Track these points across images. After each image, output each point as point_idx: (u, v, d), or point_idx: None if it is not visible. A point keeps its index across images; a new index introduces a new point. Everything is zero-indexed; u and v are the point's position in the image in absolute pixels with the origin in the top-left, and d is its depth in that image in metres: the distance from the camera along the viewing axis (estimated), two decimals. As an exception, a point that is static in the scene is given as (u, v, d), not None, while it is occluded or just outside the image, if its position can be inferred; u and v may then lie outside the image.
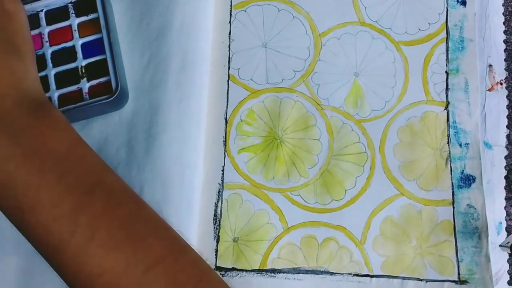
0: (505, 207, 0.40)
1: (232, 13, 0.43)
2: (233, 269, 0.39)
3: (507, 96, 0.42)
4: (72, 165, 0.30)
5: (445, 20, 0.43)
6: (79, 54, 0.40)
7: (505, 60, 0.42)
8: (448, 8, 0.43)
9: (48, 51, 0.40)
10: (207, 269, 0.32)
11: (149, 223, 0.32)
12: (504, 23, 0.43)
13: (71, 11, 0.41)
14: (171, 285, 0.29)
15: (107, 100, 0.38)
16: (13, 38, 0.33)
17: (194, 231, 0.38)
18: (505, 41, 0.42)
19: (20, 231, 0.30)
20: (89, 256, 0.29)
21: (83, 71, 0.40)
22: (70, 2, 0.41)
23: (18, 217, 0.30)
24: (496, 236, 0.39)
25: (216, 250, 0.39)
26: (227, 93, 0.42)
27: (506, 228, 0.40)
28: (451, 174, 0.40)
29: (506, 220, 0.40)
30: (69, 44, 0.40)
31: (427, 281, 0.39)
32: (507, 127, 0.41)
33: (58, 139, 0.31)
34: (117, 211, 0.30)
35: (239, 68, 0.42)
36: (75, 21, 0.40)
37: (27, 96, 0.32)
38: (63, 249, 0.29)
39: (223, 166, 0.40)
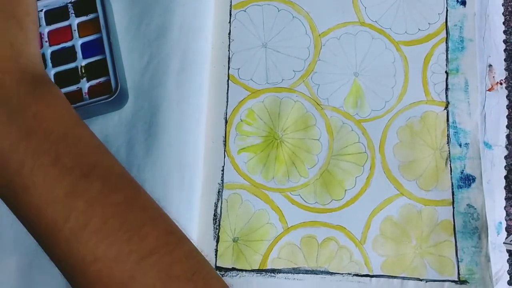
0: (505, 207, 0.40)
1: (232, 13, 0.43)
2: (233, 269, 0.39)
3: (507, 96, 0.42)
4: (69, 147, 0.29)
5: (445, 20, 0.43)
6: (79, 54, 0.40)
7: (505, 60, 0.42)
8: (448, 8, 0.43)
9: (48, 51, 0.40)
10: (203, 261, 0.31)
11: (146, 211, 0.31)
12: (504, 23, 0.43)
13: (71, 11, 0.41)
14: (164, 277, 0.29)
15: (107, 100, 0.38)
16: (14, 6, 0.31)
17: (194, 231, 0.38)
18: (505, 41, 0.42)
19: (11, 209, 0.30)
20: (82, 243, 0.28)
21: (83, 71, 0.40)
22: (70, 2, 0.41)
23: (10, 196, 0.29)
24: (496, 236, 0.39)
25: (216, 250, 0.39)
26: (227, 93, 0.42)
27: (506, 228, 0.40)
28: (451, 174, 0.40)
29: (506, 220, 0.40)
30: (69, 44, 0.40)
31: (427, 281, 0.39)
32: (507, 127, 0.41)
33: (56, 119, 0.30)
34: (112, 196, 0.29)
35: (239, 68, 0.42)
36: (74, 21, 0.40)
37: (27, 72, 0.30)
38: (56, 234, 0.28)
39: (223, 166, 0.40)
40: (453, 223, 0.39)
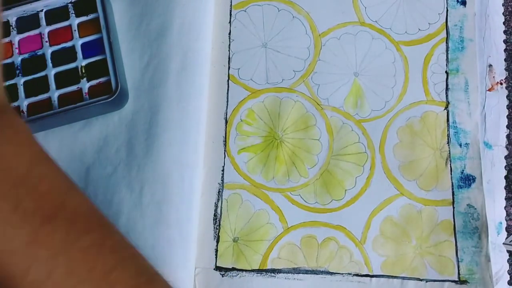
0: (505, 207, 0.40)
1: (232, 13, 0.43)
2: (233, 269, 0.39)
3: (507, 96, 0.42)
4: (32, 188, 0.26)
5: (445, 20, 0.43)
6: (79, 54, 0.40)
7: (505, 60, 0.42)
8: (448, 8, 0.43)
9: (48, 51, 0.40)
10: None
11: (116, 253, 0.28)
12: (504, 23, 0.43)
13: (71, 11, 0.41)
14: None
15: (107, 100, 0.38)
16: None
17: (194, 231, 0.38)
18: (505, 41, 0.42)
19: None
20: None
21: (83, 71, 0.40)
22: (70, 2, 0.41)
23: None
24: (496, 236, 0.39)
25: (216, 250, 0.39)
26: (227, 93, 0.42)
27: (506, 228, 0.40)
28: (451, 174, 0.40)
29: (506, 220, 0.40)
30: (69, 44, 0.40)
31: (427, 281, 0.39)
32: (507, 127, 0.41)
33: (18, 156, 0.27)
34: (80, 241, 0.26)
35: (239, 68, 0.42)
36: (75, 21, 0.40)
37: None
38: (17, 284, 0.25)
39: (223, 166, 0.40)
40: (453, 223, 0.39)
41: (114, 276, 0.27)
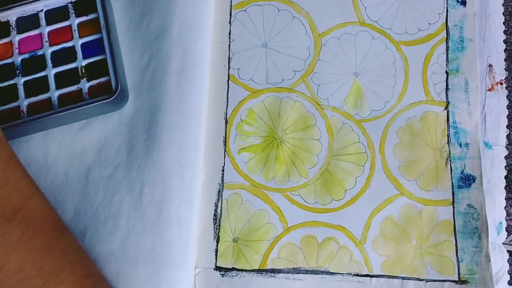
0: (505, 207, 0.40)
1: (232, 13, 0.43)
2: (233, 269, 0.39)
3: (507, 96, 0.42)
4: None
5: (445, 20, 0.43)
6: (79, 54, 0.40)
7: (505, 60, 0.42)
8: (448, 8, 0.43)
9: (48, 51, 0.40)
10: None
11: (66, 256, 0.31)
12: (504, 23, 0.43)
13: (71, 11, 0.41)
14: None
15: (107, 100, 0.38)
16: None
17: (194, 231, 0.38)
18: (505, 41, 0.42)
19: None
20: None
21: (83, 71, 0.40)
22: (70, 2, 0.41)
23: None
24: (496, 236, 0.39)
25: (216, 250, 0.39)
26: (227, 93, 0.42)
27: (506, 228, 0.40)
28: (451, 174, 0.40)
29: (506, 220, 0.40)
30: (69, 44, 0.40)
31: (427, 281, 0.39)
32: (507, 127, 0.41)
33: None
34: (33, 241, 0.30)
35: (239, 68, 0.42)
36: (75, 21, 0.40)
37: None
38: None
39: (223, 166, 0.40)
40: (453, 223, 0.39)
41: (62, 277, 0.30)
